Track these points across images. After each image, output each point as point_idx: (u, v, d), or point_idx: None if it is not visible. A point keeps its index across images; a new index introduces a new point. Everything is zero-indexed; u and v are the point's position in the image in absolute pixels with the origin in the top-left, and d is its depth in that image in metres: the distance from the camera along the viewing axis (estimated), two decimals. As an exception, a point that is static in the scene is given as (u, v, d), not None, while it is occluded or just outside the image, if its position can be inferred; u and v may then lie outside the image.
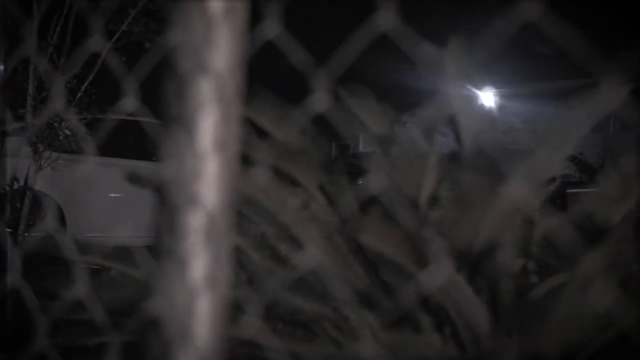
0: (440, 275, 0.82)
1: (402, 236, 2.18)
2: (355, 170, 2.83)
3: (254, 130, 2.28)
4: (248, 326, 1.00)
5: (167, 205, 1.13)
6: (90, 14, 1.36)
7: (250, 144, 1.82)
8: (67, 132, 6.42)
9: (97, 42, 1.31)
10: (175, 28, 1.13)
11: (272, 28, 1.01)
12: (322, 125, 2.64)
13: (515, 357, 2.51)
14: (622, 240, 2.10)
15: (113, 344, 1.24)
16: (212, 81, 1.10)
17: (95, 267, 2.65)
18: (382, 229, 2.12)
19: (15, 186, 6.02)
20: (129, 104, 1.18)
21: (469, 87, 2.74)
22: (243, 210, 2.54)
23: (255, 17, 1.20)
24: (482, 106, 2.62)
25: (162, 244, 1.14)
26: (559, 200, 2.97)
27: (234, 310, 1.18)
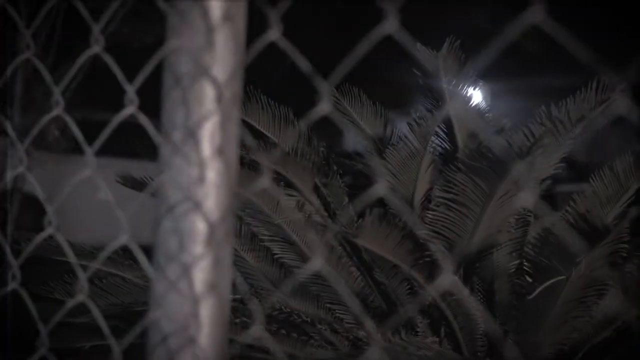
0: (445, 281, 0.82)
1: (399, 238, 2.19)
2: (344, 169, 2.83)
3: (248, 133, 2.27)
4: (252, 332, 0.99)
5: (167, 211, 1.12)
6: (80, 14, 1.35)
7: (245, 147, 1.81)
8: (56, 132, 6.38)
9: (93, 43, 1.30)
10: (176, 32, 1.13)
11: (275, 33, 1.01)
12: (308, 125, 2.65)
13: (512, 357, 2.51)
14: (618, 240, 2.10)
15: (112, 348, 1.23)
16: (213, 86, 1.10)
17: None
18: (379, 231, 2.13)
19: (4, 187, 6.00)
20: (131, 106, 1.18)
21: (463, 86, 2.74)
22: (236, 212, 2.54)
23: (252, 22, 1.20)
24: (475, 106, 2.62)
25: (163, 249, 1.13)
26: (548, 199, 2.98)
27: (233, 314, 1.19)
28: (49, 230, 1.27)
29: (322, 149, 2.65)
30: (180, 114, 1.14)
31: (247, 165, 2.17)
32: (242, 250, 2.80)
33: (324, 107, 0.94)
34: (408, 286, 2.66)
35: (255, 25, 1.21)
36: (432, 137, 2.74)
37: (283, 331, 2.53)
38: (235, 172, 1.17)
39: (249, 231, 2.86)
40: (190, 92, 1.13)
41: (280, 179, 2.48)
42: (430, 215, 2.33)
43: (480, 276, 2.69)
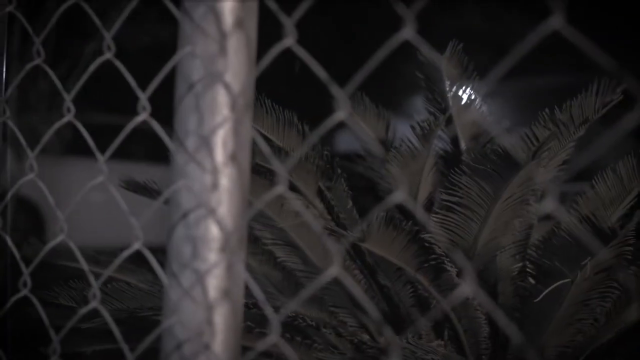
0: (467, 289, 0.82)
1: (405, 242, 2.19)
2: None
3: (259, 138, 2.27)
4: (269, 340, 0.99)
5: (181, 218, 1.12)
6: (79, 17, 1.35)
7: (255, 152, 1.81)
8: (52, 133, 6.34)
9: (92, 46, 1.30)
10: (188, 39, 1.13)
11: (290, 40, 1.01)
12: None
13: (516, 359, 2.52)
14: (622, 243, 2.10)
15: (125, 355, 1.23)
16: (226, 92, 1.10)
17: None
18: (386, 234, 2.13)
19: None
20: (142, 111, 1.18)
21: (466, 89, 2.74)
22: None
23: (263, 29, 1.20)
24: (478, 108, 2.62)
25: (177, 256, 1.13)
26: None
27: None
28: (61, 237, 1.27)
29: (325, 152, 2.65)
30: (193, 121, 1.14)
31: (255, 171, 2.17)
32: (245, 253, 2.79)
33: (340, 115, 0.94)
34: (412, 289, 2.66)
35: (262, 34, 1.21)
36: (435, 139, 2.74)
37: (287, 335, 2.53)
38: (247, 178, 1.17)
39: (251, 234, 2.86)
40: (203, 99, 1.13)
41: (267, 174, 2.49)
42: (434, 219, 2.32)
43: (484, 278, 2.69)
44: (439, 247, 2.25)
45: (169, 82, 1.21)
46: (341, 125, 1.07)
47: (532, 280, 2.62)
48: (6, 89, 1.49)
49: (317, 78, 1.27)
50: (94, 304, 1.19)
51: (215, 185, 1.12)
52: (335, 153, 2.91)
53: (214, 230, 1.12)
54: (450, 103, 2.70)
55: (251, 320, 2.22)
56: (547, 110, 2.53)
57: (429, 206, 2.71)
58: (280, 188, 1.00)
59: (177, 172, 1.14)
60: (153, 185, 2.73)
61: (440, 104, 2.78)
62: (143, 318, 2.11)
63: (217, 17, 1.12)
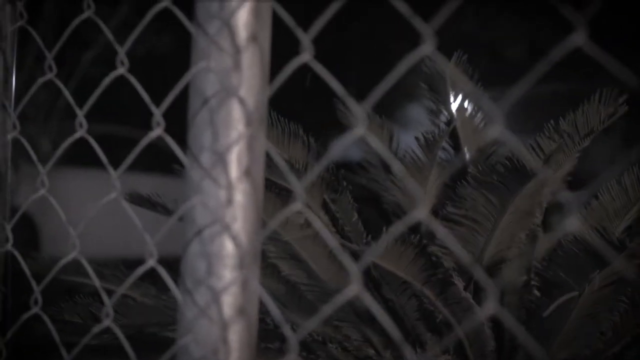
0: (491, 309, 0.80)
1: (412, 256, 2.18)
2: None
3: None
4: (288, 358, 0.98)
5: (195, 234, 1.11)
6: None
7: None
8: (48, 145, 6.33)
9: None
10: (202, 54, 1.12)
11: (307, 56, 1.00)
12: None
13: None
14: (631, 255, 2.09)
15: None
16: (241, 107, 1.09)
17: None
18: (394, 248, 2.11)
19: None
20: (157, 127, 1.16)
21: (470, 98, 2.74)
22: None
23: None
24: (482, 119, 2.61)
25: (191, 273, 1.12)
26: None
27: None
28: (73, 254, 1.25)
29: (331, 164, 2.64)
30: (207, 136, 1.12)
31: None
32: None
33: (360, 131, 0.93)
34: (417, 303, 2.65)
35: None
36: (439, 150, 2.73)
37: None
38: (261, 194, 1.16)
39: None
40: (218, 114, 1.12)
41: (289, 194, 2.47)
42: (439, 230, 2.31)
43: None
44: (449, 261, 2.24)
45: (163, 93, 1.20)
46: (342, 131, 1.06)
47: (537, 293, 2.61)
48: (16, 104, 1.48)
49: (322, 90, 1.26)
50: (107, 322, 1.18)
51: (230, 201, 1.11)
52: (336, 162, 2.89)
53: (229, 247, 1.11)
54: (455, 114, 2.69)
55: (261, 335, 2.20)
56: (552, 121, 2.53)
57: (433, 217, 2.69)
58: (297, 205, 0.98)
59: (191, 188, 1.12)
60: (157, 199, 2.72)
61: (445, 115, 2.77)
62: (150, 334, 2.10)
63: (231, 31, 1.11)
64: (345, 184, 2.65)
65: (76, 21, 1.25)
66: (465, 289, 2.37)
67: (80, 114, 1.18)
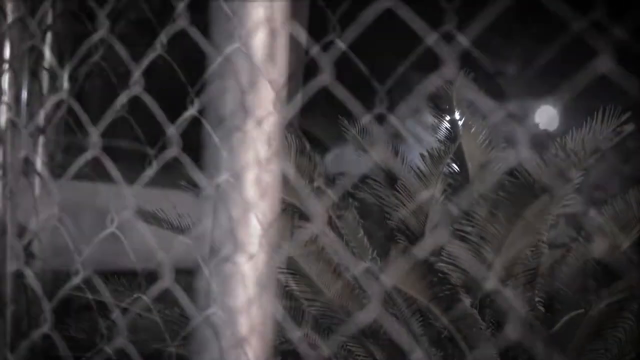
0: (515, 333, 0.80)
1: (420, 273, 2.18)
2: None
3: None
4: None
5: (211, 255, 1.11)
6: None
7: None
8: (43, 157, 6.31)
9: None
10: (219, 74, 1.12)
11: (327, 77, 1.01)
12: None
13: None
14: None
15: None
16: (258, 127, 1.09)
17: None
18: (402, 268, 2.11)
19: None
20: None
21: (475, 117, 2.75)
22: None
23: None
24: (488, 136, 2.61)
25: (207, 292, 1.12)
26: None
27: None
28: (85, 273, 1.25)
29: (338, 181, 2.64)
30: (224, 157, 1.13)
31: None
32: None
33: (380, 152, 0.93)
34: (421, 318, 2.64)
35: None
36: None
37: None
38: (278, 213, 1.16)
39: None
40: (235, 134, 1.12)
41: (295, 211, 2.47)
42: (447, 247, 2.31)
43: (494, 308, 2.68)
44: (457, 278, 2.24)
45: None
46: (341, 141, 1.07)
47: (542, 309, 2.61)
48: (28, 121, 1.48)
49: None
50: (120, 340, 1.17)
51: (246, 222, 1.11)
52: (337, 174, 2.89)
53: (245, 266, 1.11)
54: (461, 131, 2.70)
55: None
56: (557, 139, 2.53)
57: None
58: (316, 227, 0.99)
59: (207, 208, 1.13)
60: (162, 215, 2.71)
61: (450, 132, 2.78)
62: (157, 350, 2.09)
63: (248, 51, 1.11)
64: (351, 200, 2.65)
65: (92, 40, 1.25)
66: (473, 305, 2.37)
67: (95, 133, 1.18)
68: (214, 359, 1.10)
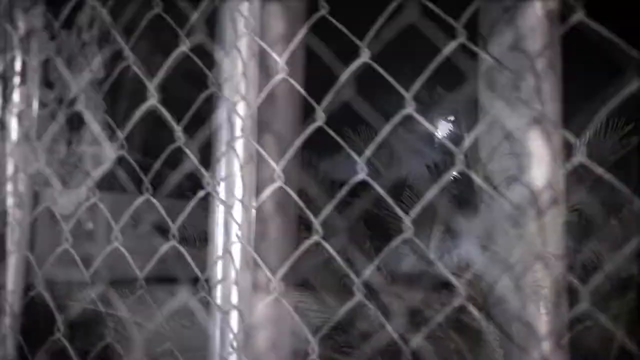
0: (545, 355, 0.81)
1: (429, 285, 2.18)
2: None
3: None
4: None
5: (229, 270, 1.11)
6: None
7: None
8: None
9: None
10: (233, 87, 1.12)
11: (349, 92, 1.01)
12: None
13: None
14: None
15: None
16: (275, 141, 1.09)
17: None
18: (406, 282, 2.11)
19: None
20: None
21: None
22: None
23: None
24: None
25: (222, 306, 1.12)
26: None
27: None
28: (100, 288, 1.25)
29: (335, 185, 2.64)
30: (236, 168, 1.13)
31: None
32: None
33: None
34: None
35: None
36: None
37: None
38: (294, 225, 1.17)
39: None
40: (249, 146, 1.12)
41: (301, 223, 2.46)
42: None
43: (497, 320, 2.68)
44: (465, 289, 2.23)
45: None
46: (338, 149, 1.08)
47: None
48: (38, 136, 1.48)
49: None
50: (138, 356, 1.17)
51: (262, 234, 1.11)
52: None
53: (260, 275, 1.11)
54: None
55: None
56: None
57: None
58: (317, 238, 1.00)
59: (215, 218, 1.13)
60: (165, 225, 2.70)
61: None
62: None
63: (264, 63, 1.12)
64: (357, 213, 2.64)
65: (118, 69, 1.24)
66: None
67: (110, 148, 1.18)
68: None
